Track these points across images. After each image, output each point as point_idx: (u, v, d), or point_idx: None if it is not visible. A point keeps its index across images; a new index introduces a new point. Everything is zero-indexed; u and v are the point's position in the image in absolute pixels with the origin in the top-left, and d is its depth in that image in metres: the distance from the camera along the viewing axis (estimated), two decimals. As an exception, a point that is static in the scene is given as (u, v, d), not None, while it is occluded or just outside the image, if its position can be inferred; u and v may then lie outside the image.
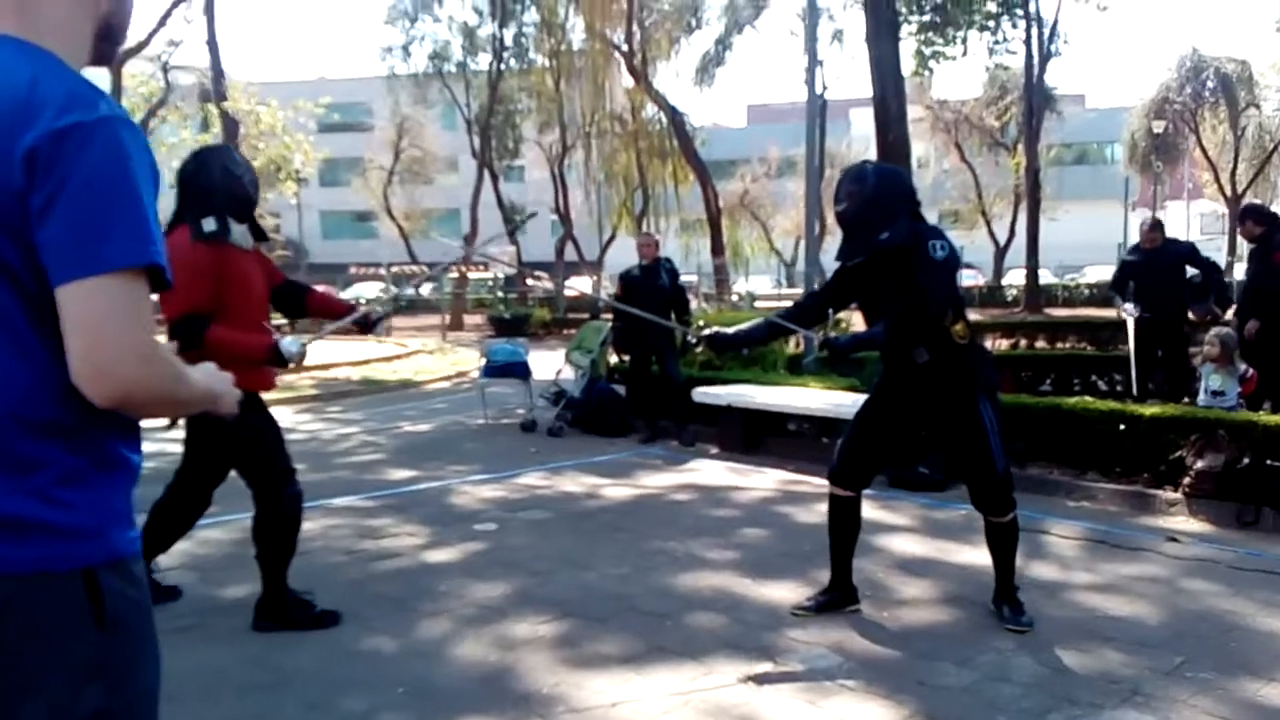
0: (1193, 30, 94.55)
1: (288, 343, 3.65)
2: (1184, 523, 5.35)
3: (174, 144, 29.08)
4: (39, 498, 1.27)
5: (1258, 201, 9.26)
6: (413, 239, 37.61)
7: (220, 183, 3.71)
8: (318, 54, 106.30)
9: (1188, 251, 8.50)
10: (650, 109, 27.83)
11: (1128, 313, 8.32)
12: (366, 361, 15.68)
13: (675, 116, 25.76)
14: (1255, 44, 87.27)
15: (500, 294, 30.71)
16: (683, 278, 9.00)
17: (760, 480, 6.73)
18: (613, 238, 33.60)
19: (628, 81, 27.62)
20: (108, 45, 1.45)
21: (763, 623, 3.93)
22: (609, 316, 9.49)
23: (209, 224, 3.63)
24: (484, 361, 9.75)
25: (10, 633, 1.25)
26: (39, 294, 1.25)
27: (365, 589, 4.40)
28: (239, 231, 3.76)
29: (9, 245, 1.24)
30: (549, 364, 10.05)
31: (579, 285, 31.71)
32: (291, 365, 3.72)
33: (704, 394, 8.00)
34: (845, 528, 4.08)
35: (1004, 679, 3.35)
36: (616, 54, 26.14)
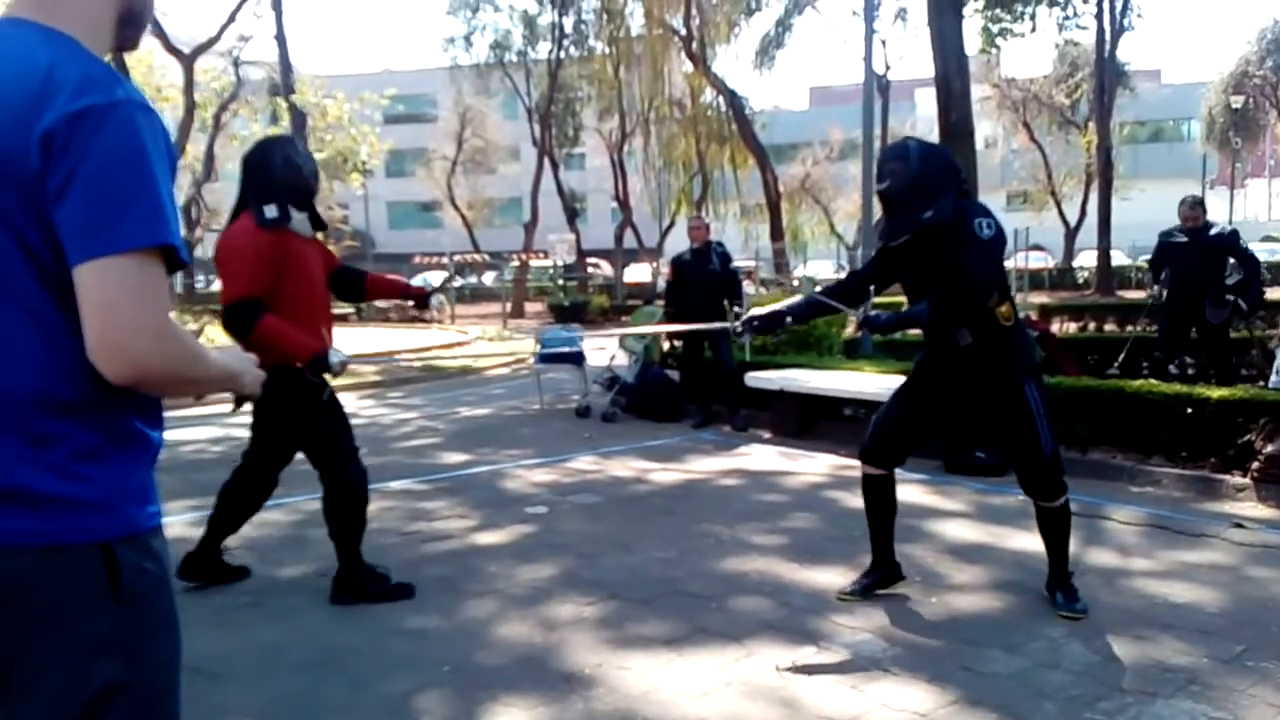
0: (1274, 1, 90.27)
1: (333, 353, 3.73)
2: (1252, 508, 5.17)
3: (245, 137, 29.90)
4: (56, 472, 1.30)
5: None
6: (476, 228, 38.11)
7: (281, 172, 3.81)
8: (383, 46, 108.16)
9: (1231, 238, 7.99)
10: (709, 93, 27.68)
11: (1154, 297, 8.06)
12: (428, 349, 15.94)
13: (734, 100, 25.59)
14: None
15: (560, 281, 30.89)
16: (741, 262, 8.95)
17: (811, 465, 6.68)
18: (672, 224, 33.54)
19: (686, 66, 27.53)
20: (131, 30, 1.48)
21: (808, 607, 3.90)
22: (661, 302, 9.48)
23: (270, 210, 3.72)
24: (539, 348, 9.83)
25: (29, 605, 1.29)
26: (59, 274, 1.28)
27: (416, 570, 4.47)
28: (299, 219, 3.86)
29: (30, 225, 1.28)
30: (607, 350, 10.09)
31: (636, 271, 31.71)
32: (330, 376, 3.80)
33: (757, 379, 7.96)
34: (881, 506, 4.03)
35: (1053, 666, 3.28)
36: (675, 39, 26.03)
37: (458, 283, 32.02)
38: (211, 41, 23.60)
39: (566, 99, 33.44)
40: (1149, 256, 8.90)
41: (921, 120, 37.09)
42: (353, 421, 4.21)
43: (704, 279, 8.27)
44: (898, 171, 3.63)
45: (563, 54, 30.75)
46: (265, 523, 5.43)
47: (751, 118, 27.26)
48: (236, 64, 27.33)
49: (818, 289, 4.27)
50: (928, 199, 3.58)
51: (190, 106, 22.54)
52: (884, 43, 32.01)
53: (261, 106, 29.55)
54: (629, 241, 32.75)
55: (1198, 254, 7.89)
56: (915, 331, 4.19)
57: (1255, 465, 5.26)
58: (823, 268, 32.89)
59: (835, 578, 4.22)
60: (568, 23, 30.76)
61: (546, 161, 31.56)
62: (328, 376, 3.84)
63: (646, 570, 4.41)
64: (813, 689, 3.16)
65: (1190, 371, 8.30)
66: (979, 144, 15.98)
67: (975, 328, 3.66)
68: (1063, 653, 3.38)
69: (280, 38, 21.93)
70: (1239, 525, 4.85)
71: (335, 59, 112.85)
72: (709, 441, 7.70)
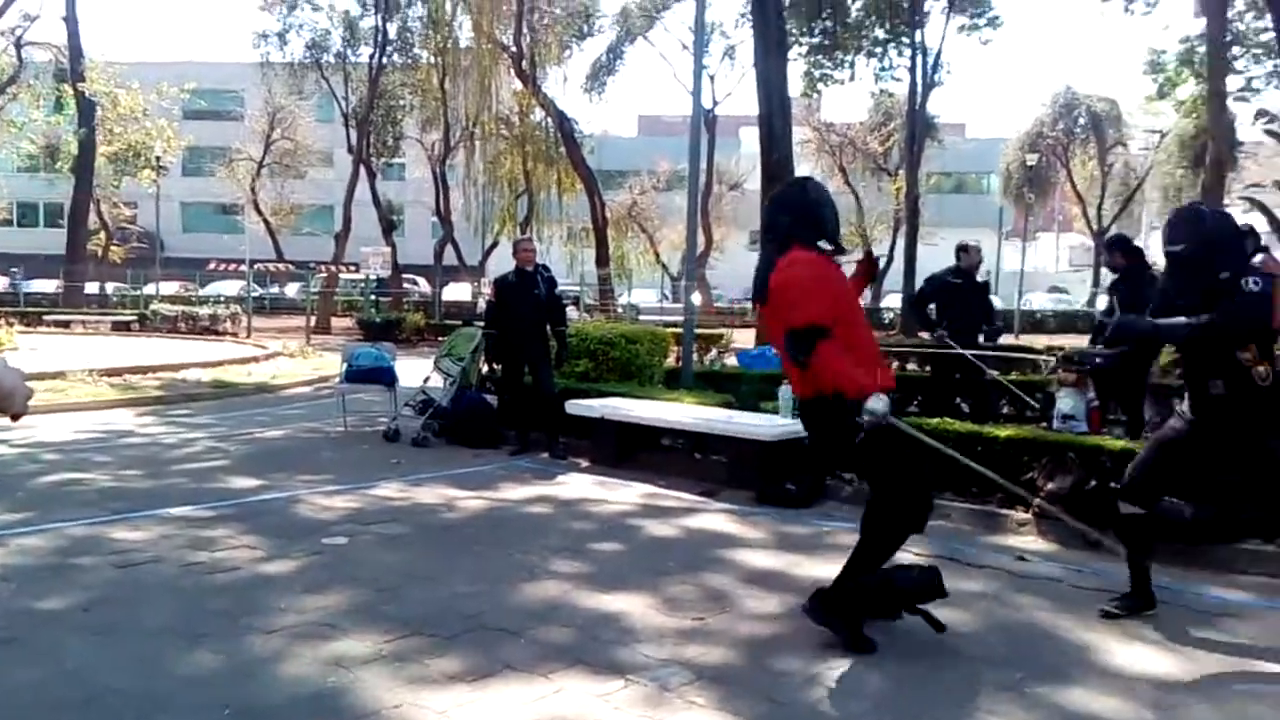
0: (1067, 68, 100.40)
1: (876, 401, 3.55)
2: (1033, 542, 5.52)
3: (25, 124, 27.39)
4: None
5: (1124, 234, 9.65)
6: (280, 235, 36.30)
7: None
8: (186, 35, 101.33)
9: (985, 284, 8.98)
10: (538, 113, 27.62)
11: (936, 338, 8.66)
12: (220, 363, 14.96)
13: (563, 122, 25.67)
14: (1124, 84, 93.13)
15: (373, 296, 29.80)
16: (566, 288, 8.87)
17: (627, 494, 6.65)
18: (495, 243, 33.19)
19: (516, 84, 27.38)
20: None
21: (617, 639, 3.83)
22: (481, 324, 9.25)
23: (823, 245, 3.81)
24: (345, 366, 9.36)
25: None
26: None
27: (196, 604, 4.11)
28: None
29: None
30: (421, 371, 9.74)
31: (456, 290, 31.11)
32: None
33: (578, 406, 7.88)
34: (1141, 543, 4.22)
35: (853, 694, 3.35)
36: (505, 55, 25.85)
37: (256, 293, 30.38)
38: (-8, 18, 21.56)
39: (387, 106, 32.49)
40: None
41: (746, 157, 38.48)
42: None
43: (528, 302, 8.13)
44: (1181, 237, 3.91)
45: (385, 60, 29.94)
46: (24, 549, 4.89)
47: (581, 141, 27.43)
48: (19, 44, 25.06)
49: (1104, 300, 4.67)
50: (1219, 262, 3.85)
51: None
52: (712, 79, 33.08)
53: (44, 92, 27.19)
54: (449, 258, 32.10)
55: (970, 297, 8.57)
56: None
57: (1036, 502, 5.63)
58: (647, 296, 33.41)
59: (645, 608, 4.18)
60: (392, 28, 30.01)
61: (363, 170, 30.56)
62: None
63: (451, 604, 4.22)
64: (618, 724, 3.08)
65: (966, 410, 8.78)
66: (796, 184, 16.63)
67: (1229, 383, 3.90)
68: (862, 681, 3.46)
69: (70, 18, 20.30)
70: (1021, 558, 5.17)
71: (132, 45, 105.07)
72: (526, 469, 7.54)
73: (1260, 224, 25.69)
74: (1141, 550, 4.18)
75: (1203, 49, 22.24)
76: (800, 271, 3.72)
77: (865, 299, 31.76)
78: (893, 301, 32.98)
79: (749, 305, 31.17)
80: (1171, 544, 4.80)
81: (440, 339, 20.73)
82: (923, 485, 3.84)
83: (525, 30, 25.66)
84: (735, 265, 37.85)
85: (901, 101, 30.75)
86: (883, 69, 28.95)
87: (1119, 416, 7.64)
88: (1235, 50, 24.12)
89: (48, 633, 3.76)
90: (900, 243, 30.45)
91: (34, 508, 5.66)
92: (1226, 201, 23.39)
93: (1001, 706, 3.28)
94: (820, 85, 28.93)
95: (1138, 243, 8.72)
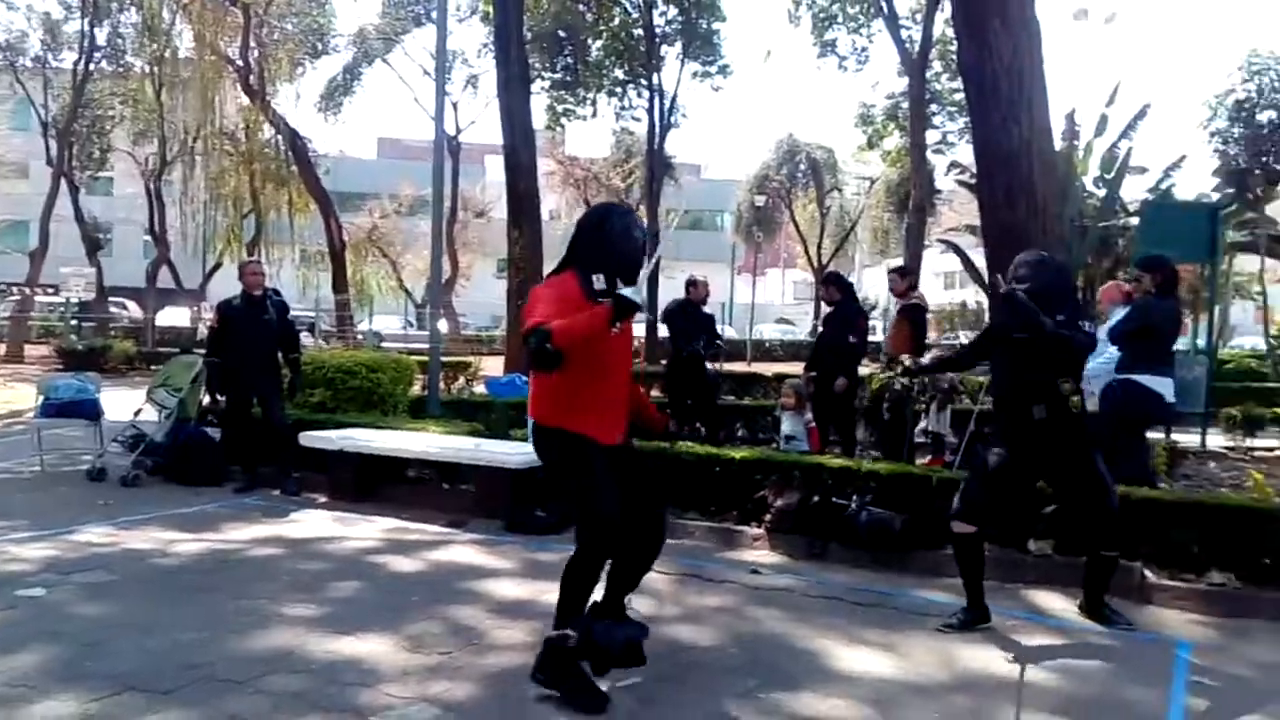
0: (791, 116, 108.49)
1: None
2: (765, 555, 5.85)
3: None
4: None
5: (838, 271, 10.62)
6: (-34, 252, 31.93)
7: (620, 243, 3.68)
8: None
9: (711, 315, 9.70)
10: (268, 130, 26.10)
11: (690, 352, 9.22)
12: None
13: (296, 141, 24.45)
14: (839, 134, 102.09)
15: (74, 321, 26.76)
16: (300, 313, 8.40)
17: (368, 530, 6.37)
18: (218, 265, 30.99)
19: (242, 98, 25.77)
20: None
21: (357, 680, 3.65)
22: (202, 351, 8.55)
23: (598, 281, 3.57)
24: (42, 399, 8.32)
25: None
26: None
27: None
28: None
29: None
30: (131, 403, 8.83)
31: (172, 315, 28.69)
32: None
33: (312, 438, 7.46)
34: (973, 559, 4.54)
35: (598, 714, 3.39)
36: (230, 69, 24.29)
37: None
38: None
39: (94, 116, 29.54)
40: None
41: (491, 185, 38.47)
42: None
43: (257, 329, 7.64)
44: (1030, 276, 4.44)
45: (92, 66, 27.25)
46: None
47: (316, 161, 26.22)
48: None
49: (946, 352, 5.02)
50: (1056, 305, 4.34)
51: None
52: (455, 106, 32.82)
53: None
54: (165, 281, 29.53)
55: (694, 324, 9.17)
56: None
57: (767, 517, 5.99)
58: (390, 323, 32.35)
59: (386, 647, 4.01)
60: (101, 34, 27.40)
61: (64, 183, 27.55)
62: None
63: (170, 655, 3.84)
64: (359, 773, 2.93)
65: (703, 432, 9.25)
66: (544, 215, 16.88)
67: (1050, 407, 4.34)
68: (610, 701, 3.48)
69: None
70: (755, 571, 5.46)
71: None
72: (255, 507, 7.02)
73: (955, 265, 29.00)
74: (973, 567, 4.51)
75: (906, 105, 24.97)
76: (544, 288, 3.69)
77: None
78: (637, 330, 34.05)
79: (496, 333, 31.07)
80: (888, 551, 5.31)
81: (153, 368, 18.99)
82: (610, 517, 3.54)
83: (254, 45, 24.22)
84: (482, 293, 37.65)
85: (642, 140, 32.00)
86: (623, 108, 30.15)
87: (835, 438, 8.33)
88: (933, 108, 27.28)
89: None
90: (644, 275, 31.51)
91: None
92: (927, 243, 26.26)
93: (737, 711, 3.44)
94: (564, 120, 29.60)
95: (851, 278, 9.66)
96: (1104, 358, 6.19)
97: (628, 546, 3.68)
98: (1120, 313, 6.56)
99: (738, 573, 5.42)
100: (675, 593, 5.01)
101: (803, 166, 41.25)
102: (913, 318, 8.28)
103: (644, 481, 3.78)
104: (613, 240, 3.66)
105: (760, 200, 40.01)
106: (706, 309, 9.50)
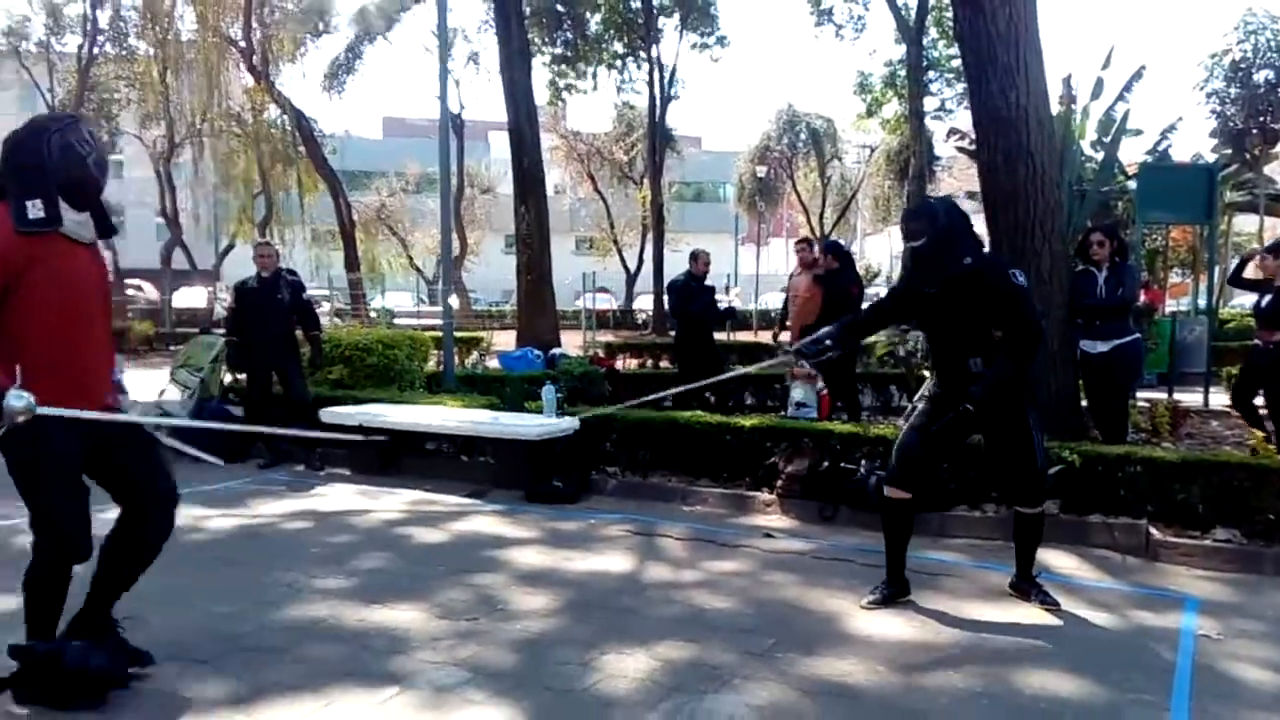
0: (789, 86, 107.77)
1: (12, 398, 2.89)
2: (778, 520, 5.99)
3: None
4: None
5: (837, 239, 10.69)
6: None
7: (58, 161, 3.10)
8: None
9: (712, 287, 9.66)
10: (273, 110, 26.16)
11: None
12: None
13: (301, 121, 24.50)
14: (838, 103, 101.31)
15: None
16: (314, 291, 8.53)
17: (391, 502, 6.53)
18: (231, 246, 31.13)
19: (247, 79, 25.80)
20: None
21: (388, 647, 3.79)
22: (221, 331, 8.71)
23: (35, 209, 3.02)
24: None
25: None
26: None
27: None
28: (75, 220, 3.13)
29: None
30: (153, 383, 9.00)
31: (188, 296, 28.90)
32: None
33: (334, 414, 7.59)
34: (902, 528, 4.37)
35: (621, 675, 3.52)
36: (233, 50, 24.30)
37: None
38: None
39: (101, 100, 29.64)
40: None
41: (496, 162, 38.43)
42: None
43: (273, 309, 7.78)
44: (922, 230, 4.08)
45: (96, 50, 27.31)
46: None
47: (322, 141, 26.29)
48: None
49: (848, 319, 4.60)
50: (958, 249, 4.06)
51: None
52: (458, 83, 32.75)
53: None
54: (179, 262, 29.75)
55: (704, 297, 9.31)
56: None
57: (779, 483, 6.12)
58: (401, 300, 32.49)
59: (415, 615, 4.16)
60: (103, 17, 27.45)
61: (75, 168, 27.65)
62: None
63: (205, 627, 3.99)
64: (396, 732, 3.08)
65: (713, 402, 9.39)
66: (549, 190, 16.94)
67: (986, 358, 4.11)
68: (628, 663, 3.64)
69: None
70: (769, 535, 5.61)
71: None
72: (280, 483, 7.20)
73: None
74: (900, 537, 4.34)
75: (904, 73, 24.82)
76: None
77: (618, 300, 32.18)
78: (645, 303, 34.12)
79: (506, 308, 31.20)
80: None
81: (172, 348, 19.21)
82: (70, 526, 3.14)
83: (255, 25, 24.22)
84: (491, 268, 37.75)
85: (643, 113, 31.92)
86: (623, 81, 30.08)
87: (841, 404, 8.44)
88: (931, 74, 27.08)
89: None
90: (650, 247, 31.62)
91: None
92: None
93: (756, 672, 3.56)
94: (565, 94, 29.52)
95: (854, 247, 9.74)
96: None
97: (122, 538, 3.34)
98: None
99: (751, 537, 5.55)
100: (690, 557, 5.15)
101: (803, 136, 41.06)
102: (825, 287, 8.35)
103: (139, 455, 3.42)
104: (47, 157, 3.08)
105: (762, 171, 39.89)
106: (709, 282, 9.59)
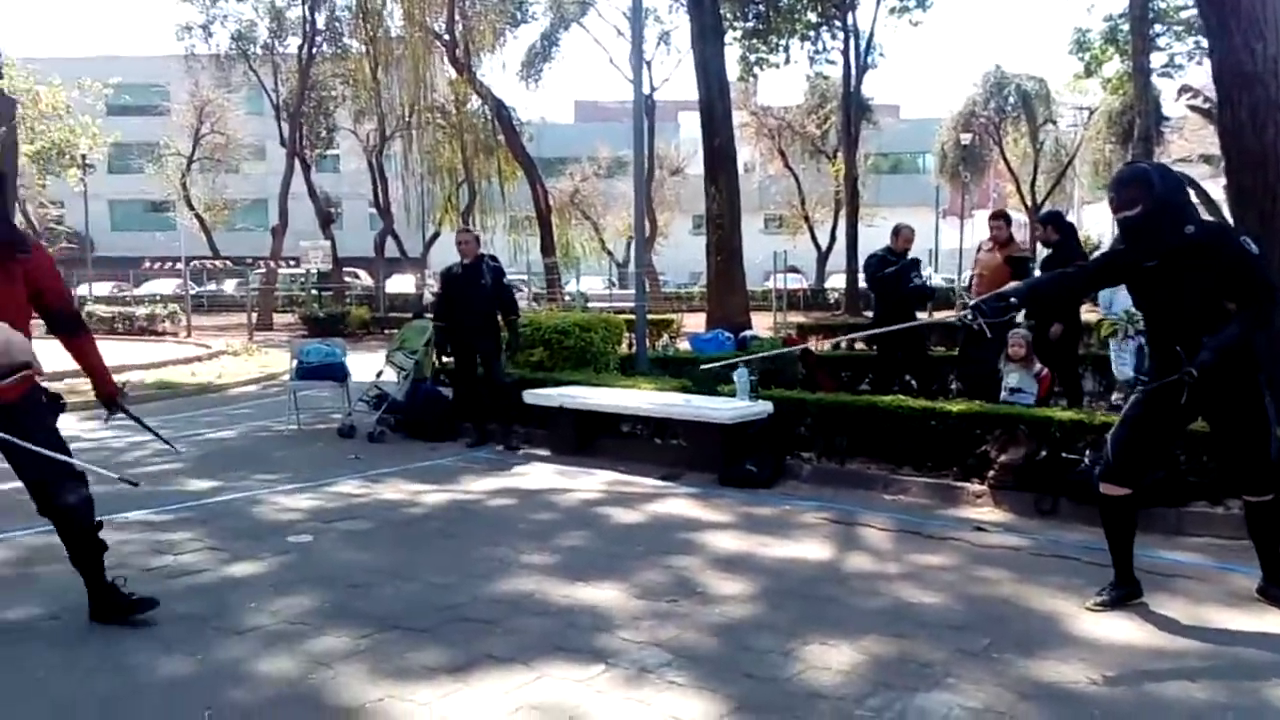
0: (996, 48, 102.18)
1: None
2: (989, 513, 5.68)
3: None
4: None
5: (1058, 209, 9.98)
6: (215, 231, 35.46)
7: None
8: (106, 28, 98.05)
9: (916, 260, 9.20)
10: (475, 101, 27.31)
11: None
12: (162, 364, 14.62)
13: (501, 110, 25.44)
14: (1052, 63, 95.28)
15: (314, 291, 29.31)
16: (513, 276, 8.82)
17: (589, 482, 6.68)
18: (437, 234, 32.83)
19: (450, 72, 27.05)
20: None
21: (592, 624, 3.87)
22: (430, 316, 9.19)
23: None
24: (295, 363, 9.21)
25: None
26: None
27: (163, 608, 4.04)
28: None
29: None
30: (370, 365, 9.64)
31: (399, 282, 30.74)
32: None
33: (535, 396, 7.87)
34: (1125, 525, 4.02)
35: (825, 668, 3.43)
36: (438, 43, 25.51)
37: (194, 290, 29.69)
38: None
39: (319, 97, 31.92)
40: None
41: (685, 142, 38.59)
42: (75, 446, 3.77)
43: (476, 294, 8.09)
44: (1135, 199, 3.69)
45: (314, 50, 29.37)
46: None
47: (519, 129, 27.23)
48: (-70, 41, 24.07)
49: (1037, 278, 4.28)
50: (1179, 218, 3.69)
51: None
52: (649, 64, 33.04)
53: (-40, 90, 26.16)
54: (390, 250, 31.69)
55: (901, 274, 8.83)
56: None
57: (991, 473, 5.80)
58: (594, 283, 33.32)
59: (616, 594, 4.22)
60: (320, 18, 29.44)
61: (297, 163, 29.98)
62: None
63: (425, 598, 4.22)
64: (604, 706, 3.13)
65: (915, 386, 8.99)
66: (739, 168, 16.82)
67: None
68: (832, 655, 3.54)
69: (-13, 13, 19.49)
70: (980, 528, 5.33)
71: (50, 40, 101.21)
72: (485, 461, 7.52)
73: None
74: (1124, 535, 4.03)
75: (1126, 27, 22.92)
76: None
77: (808, 279, 31.68)
78: (837, 281, 33.36)
79: (695, 289, 31.35)
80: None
81: (387, 332, 20.54)
82: None
83: (458, 18, 25.33)
84: (680, 250, 38.01)
85: (837, 84, 31.08)
86: (816, 52, 29.30)
87: (1059, 389, 7.90)
88: (1158, 28, 24.87)
89: (16, 644, 3.69)
90: (843, 223, 30.84)
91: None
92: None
93: (970, 672, 3.38)
94: (756, 69, 29.14)
95: (1071, 218, 9.02)
96: None
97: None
98: None
99: (960, 530, 5.30)
100: (894, 549, 4.98)
101: (1012, 100, 38.74)
102: (1015, 270, 7.76)
103: (30, 462, 3.55)
104: None
105: (966, 138, 37.96)
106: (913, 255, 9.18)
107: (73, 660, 3.54)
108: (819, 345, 12.12)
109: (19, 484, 3.73)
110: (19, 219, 30.40)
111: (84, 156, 28.69)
